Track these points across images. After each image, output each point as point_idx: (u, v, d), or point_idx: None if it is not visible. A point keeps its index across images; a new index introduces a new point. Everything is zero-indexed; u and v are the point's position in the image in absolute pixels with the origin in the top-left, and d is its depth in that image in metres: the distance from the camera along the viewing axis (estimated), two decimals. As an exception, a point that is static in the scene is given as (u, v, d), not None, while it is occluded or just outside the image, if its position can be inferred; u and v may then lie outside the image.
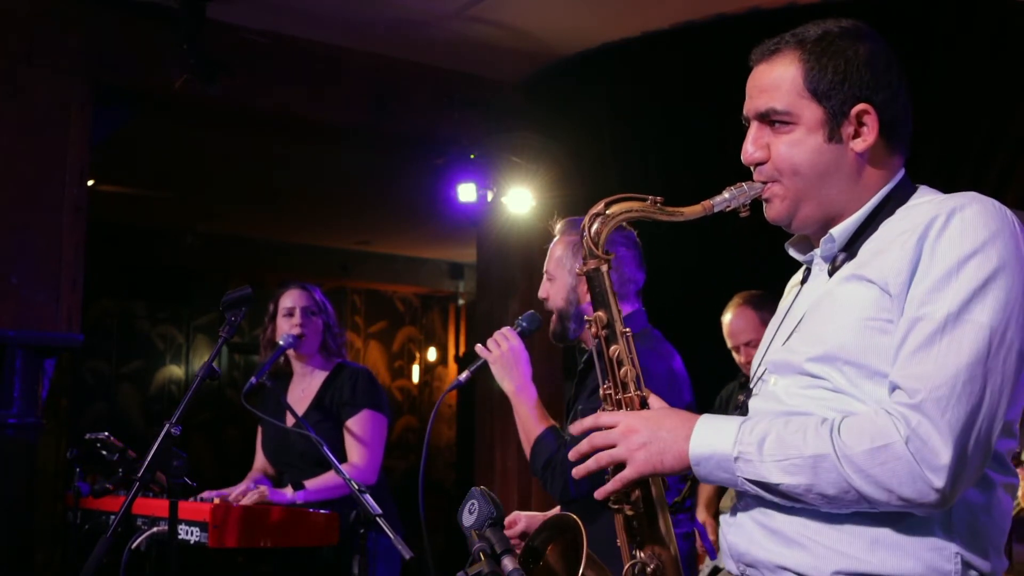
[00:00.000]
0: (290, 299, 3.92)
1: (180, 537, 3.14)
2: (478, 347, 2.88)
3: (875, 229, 1.67)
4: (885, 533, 1.54)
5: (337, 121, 5.67)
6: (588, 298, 2.93)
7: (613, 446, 1.64)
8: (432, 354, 11.51)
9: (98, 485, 3.24)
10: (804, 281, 1.80)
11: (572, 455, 1.69)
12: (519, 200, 5.75)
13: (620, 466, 1.64)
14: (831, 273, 1.70)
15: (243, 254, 9.90)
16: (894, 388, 1.53)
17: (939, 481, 1.46)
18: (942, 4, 4.62)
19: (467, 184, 5.75)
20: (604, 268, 1.75)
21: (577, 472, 1.68)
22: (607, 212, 1.73)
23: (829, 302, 1.65)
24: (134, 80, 5.00)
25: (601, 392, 1.75)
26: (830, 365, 1.60)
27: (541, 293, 2.95)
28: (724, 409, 4.06)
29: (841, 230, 1.69)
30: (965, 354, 1.49)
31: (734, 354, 3.97)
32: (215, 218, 9.23)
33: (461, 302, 11.53)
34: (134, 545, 3.27)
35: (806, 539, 1.58)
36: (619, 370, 1.73)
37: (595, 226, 1.74)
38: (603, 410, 1.74)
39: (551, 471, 2.70)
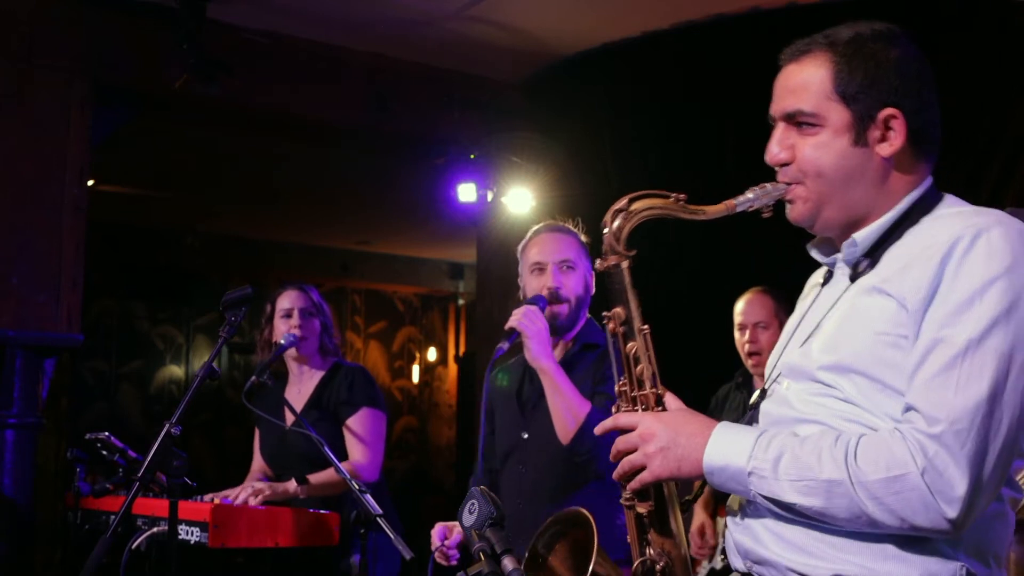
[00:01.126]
0: (287, 300, 3.92)
1: (180, 537, 3.14)
2: (514, 323, 2.87)
3: (899, 236, 1.66)
4: (893, 544, 1.55)
5: (337, 121, 5.67)
6: (593, 288, 2.98)
7: (634, 449, 1.65)
8: (432, 354, 11.51)
9: (98, 485, 3.24)
10: (825, 283, 1.79)
11: (612, 458, 1.70)
12: (519, 200, 5.75)
13: (640, 469, 1.66)
14: (852, 278, 1.69)
15: (243, 254, 9.90)
16: (909, 409, 1.52)
17: (953, 512, 1.47)
18: (942, 4, 4.62)
19: (467, 184, 5.75)
20: (624, 264, 1.74)
21: (615, 476, 1.70)
22: (630, 208, 1.72)
23: (849, 312, 1.64)
24: (134, 80, 5.00)
25: (617, 388, 1.76)
26: (841, 375, 1.60)
27: (554, 283, 2.97)
28: (719, 410, 4.05)
29: (864, 236, 1.68)
30: (986, 384, 1.48)
31: (737, 334, 3.92)
32: (215, 218, 9.23)
33: (461, 302, 11.53)
34: (134, 545, 3.27)
35: (814, 544, 1.59)
36: (636, 367, 1.73)
37: (617, 222, 1.72)
38: (618, 407, 1.75)
39: (599, 450, 2.73)
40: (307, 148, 6.94)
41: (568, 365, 2.96)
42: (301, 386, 3.97)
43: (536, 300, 2.92)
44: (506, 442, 3.08)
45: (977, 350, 1.49)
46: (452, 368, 11.56)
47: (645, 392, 1.72)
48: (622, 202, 1.73)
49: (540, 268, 3.02)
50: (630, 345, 1.73)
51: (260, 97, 5.35)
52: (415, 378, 11.38)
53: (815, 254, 1.81)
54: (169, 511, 2.75)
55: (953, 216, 1.62)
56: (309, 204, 8.65)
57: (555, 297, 2.97)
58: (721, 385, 4.16)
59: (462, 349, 11.52)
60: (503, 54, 5.57)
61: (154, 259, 9.48)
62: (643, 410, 1.71)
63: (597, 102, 5.67)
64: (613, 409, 1.77)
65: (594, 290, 3.05)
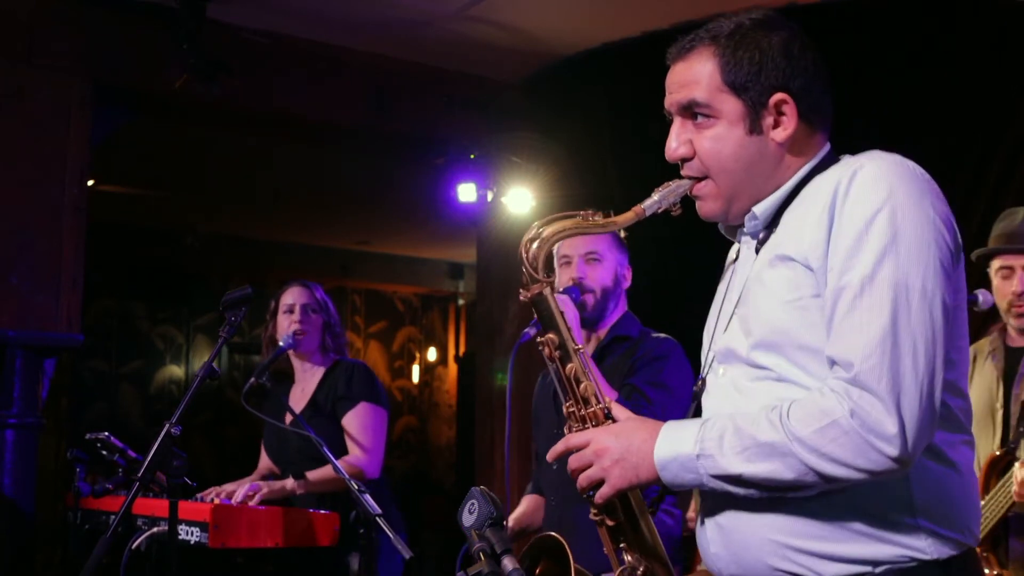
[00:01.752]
0: (291, 296, 3.94)
1: (180, 537, 3.14)
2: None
3: (792, 202, 1.69)
4: (855, 523, 1.56)
5: (337, 121, 5.67)
6: (628, 282, 3.02)
7: (590, 466, 1.66)
8: (432, 354, 11.51)
9: (98, 485, 3.24)
10: (737, 260, 1.81)
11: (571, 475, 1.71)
12: (519, 200, 5.74)
13: (600, 483, 1.66)
14: (758, 250, 1.71)
15: (243, 254, 9.90)
16: (832, 364, 1.55)
17: (893, 449, 1.47)
18: (942, 4, 4.62)
19: (467, 184, 5.75)
20: (547, 291, 1.76)
21: (579, 488, 1.70)
22: (542, 235, 1.76)
23: (758, 286, 1.66)
24: (134, 80, 5.00)
25: (565, 410, 1.77)
26: (773, 352, 1.61)
27: (577, 273, 3.01)
28: None
29: (763, 208, 1.70)
30: (886, 314, 1.50)
31: None
32: (215, 218, 9.23)
33: (461, 302, 11.53)
34: (134, 545, 3.28)
35: (783, 537, 1.59)
36: (579, 387, 1.75)
37: (533, 248, 1.76)
38: (569, 428, 1.76)
39: None
40: (307, 148, 6.93)
41: (599, 356, 2.99)
42: (305, 384, 3.98)
43: (569, 291, 2.96)
44: (544, 442, 3.11)
45: (871, 286, 1.51)
46: (452, 368, 11.56)
47: (592, 409, 1.74)
48: (532, 231, 1.76)
49: (567, 260, 3.07)
50: (569, 367, 1.76)
51: (260, 97, 5.35)
52: (415, 378, 11.38)
53: (724, 231, 1.84)
54: (169, 511, 2.75)
55: (833, 169, 1.65)
56: (309, 204, 8.64)
57: (581, 288, 3.01)
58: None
59: (462, 349, 11.52)
60: (503, 54, 5.57)
61: (154, 259, 9.48)
62: (593, 426, 1.72)
63: (597, 102, 5.66)
64: (565, 430, 1.78)
65: (629, 282, 3.09)
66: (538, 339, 1.79)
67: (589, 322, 3.04)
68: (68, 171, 4.74)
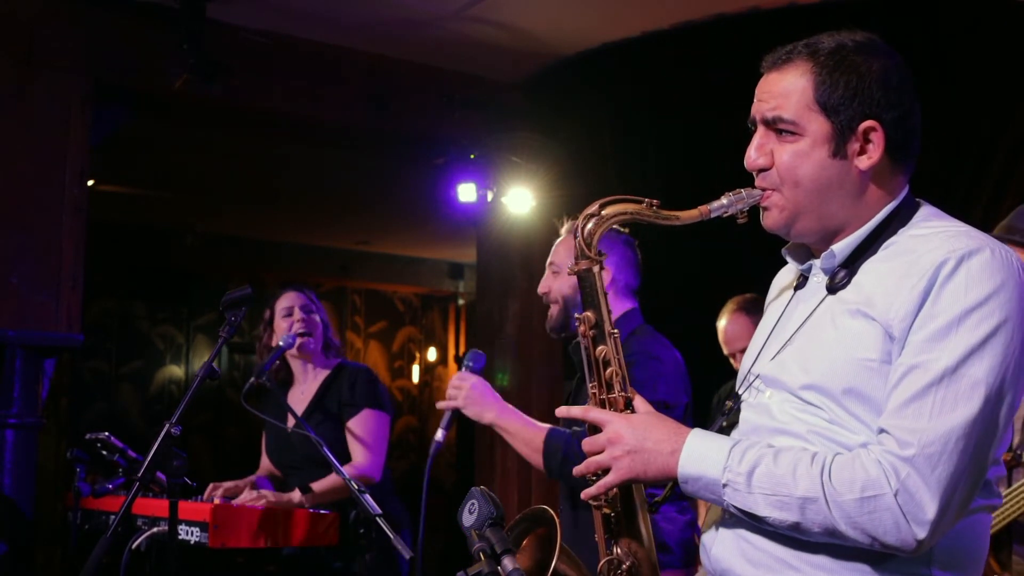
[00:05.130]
0: (287, 300, 3.94)
1: (180, 537, 3.14)
2: (440, 404, 2.93)
3: (876, 249, 1.66)
4: (869, 561, 1.56)
5: (337, 121, 5.67)
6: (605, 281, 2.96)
7: (601, 451, 1.66)
8: (432, 354, 11.51)
9: (98, 485, 3.24)
10: (799, 287, 1.79)
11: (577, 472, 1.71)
12: (519, 200, 5.75)
13: (606, 470, 1.67)
14: (830, 288, 1.69)
15: (243, 254, 9.90)
16: (882, 432, 1.54)
17: (922, 533, 1.49)
18: (942, 4, 4.62)
19: (467, 184, 5.75)
20: (596, 268, 1.76)
21: (576, 472, 1.72)
22: (602, 213, 1.75)
23: (830, 330, 1.64)
24: (134, 80, 5.00)
25: (588, 390, 1.77)
26: (827, 396, 1.60)
27: (542, 288, 3.01)
28: (721, 407, 4.06)
29: (842, 247, 1.68)
30: (960, 412, 1.50)
31: (731, 359, 3.99)
32: (215, 218, 9.22)
33: (461, 302, 11.53)
34: (134, 545, 3.28)
35: (793, 559, 1.60)
36: (605, 371, 1.75)
37: (589, 226, 1.75)
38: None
39: (570, 466, 2.71)
40: (307, 148, 6.93)
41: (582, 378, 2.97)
42: (305, 386, 3.97)
43: (469, 359, 2.99)
44: None
45: (952, 379, 1.51)
46: (452, 368, 11.55)
47: (614, 395, 1.74)
48: (593, 207, 1.76)
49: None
50: (600, 348, 1.75)
51: (260, 97, 5.35)
52: (415, 378, 11.38)
53: (790, 259, 1.82)
54: (169, 511, 2.75)
55: (935, 235, 1.62)
56: (309, 204, 8.65)
57: (545, 300, 3.02)
58: (723, 383, 4.17)
59: (462, 349, 11.52)
60: (503, 54, 5.57)
61: (154, 259, 9.48)
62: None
63: (597, 102, 5.67)
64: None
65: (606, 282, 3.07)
66: (576, 315, 1.79)
67: (556, 331, 3.02)
68: (68, 171, 4.74)
